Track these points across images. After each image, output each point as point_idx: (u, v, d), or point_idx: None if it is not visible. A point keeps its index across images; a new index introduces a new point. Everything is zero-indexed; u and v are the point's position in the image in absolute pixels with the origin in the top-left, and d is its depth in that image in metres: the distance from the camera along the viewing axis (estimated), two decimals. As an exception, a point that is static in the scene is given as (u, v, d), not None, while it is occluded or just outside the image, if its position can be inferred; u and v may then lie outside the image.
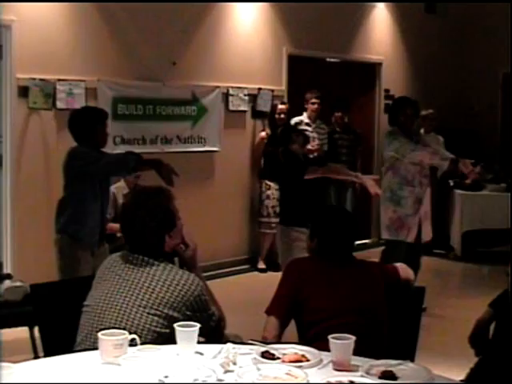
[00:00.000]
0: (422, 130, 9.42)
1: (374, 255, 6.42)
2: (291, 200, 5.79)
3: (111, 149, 6.33)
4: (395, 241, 6.21)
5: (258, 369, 2.52)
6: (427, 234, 6.46)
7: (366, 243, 9.33)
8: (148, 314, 2.85)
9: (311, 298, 3.29)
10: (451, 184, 9.38)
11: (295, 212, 5.65)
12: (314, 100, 8.58)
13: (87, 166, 4.96)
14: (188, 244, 3.19)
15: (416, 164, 6.15)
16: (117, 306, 2.88)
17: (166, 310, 2.85)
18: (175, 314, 2.85)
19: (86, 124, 5.15)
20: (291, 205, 5.75)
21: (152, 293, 2.88)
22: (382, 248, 6.48)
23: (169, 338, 2.77)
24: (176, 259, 3.17)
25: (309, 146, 6.99)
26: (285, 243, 5.69)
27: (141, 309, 2.86)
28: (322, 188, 6.12)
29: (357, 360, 2.63)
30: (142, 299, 2.87)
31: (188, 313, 2.88)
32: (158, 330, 2.84)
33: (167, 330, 2.83)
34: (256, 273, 8.22)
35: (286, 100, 8.58)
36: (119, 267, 2.99)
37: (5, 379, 2.33)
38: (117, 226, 4.86)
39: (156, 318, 2.85)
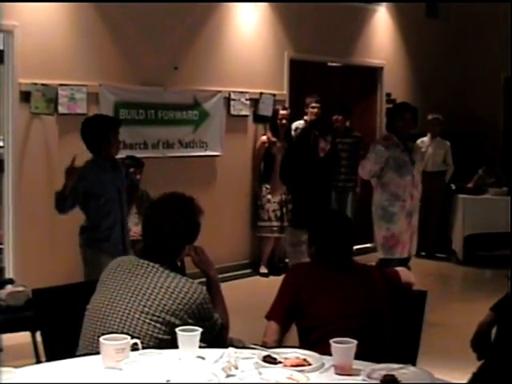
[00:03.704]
0: (428, 135, 9.46)
1: (376, 259, 6.40)
2: (303, 202, 5.81)
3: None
4: (388, 259, 6.13)
5: (260, 373, 2.52)
6: (413, 249, 6.41)
7: (367, 247, 9.32)
8: (150, 320, 2.85)
9: (311, 303, 3.29)
10: (453, 188, 9.40)
11: (306, 214, 5.64)
12: (314, 104, 8.57)
13: None
14: (196, 248, 3.20)
15: (404, 177, 6.12)
16: (119, 311, 2.89)
17: (167, 317, 2.85)
18: (177, 322, 2.85)
19: (98, 132, 5.20)
20: (303, 206, 5.75)
21: (154, 299, 2.88)
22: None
23: (170, 345, 2.77)
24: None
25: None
26: (294, 245, 5.66)
27: (143, 315, 2.86)
28: (326, 190, 6.14)
29: (358, 364, 2.63)
30: (145, 305, 2.87)
31: (190, 321, 2.87)
32: (159, 336, 2.84)
33: (169, 337, 2.83)
34: (258, 277, 8.22)
35: (287, 104, 8.59)
36: (123, 272, 3.00)
37: (7, 384, 2.34)
38: None
39: (158, 325, 2.85)
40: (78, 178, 5.06)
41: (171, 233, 3.01)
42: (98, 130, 5.21)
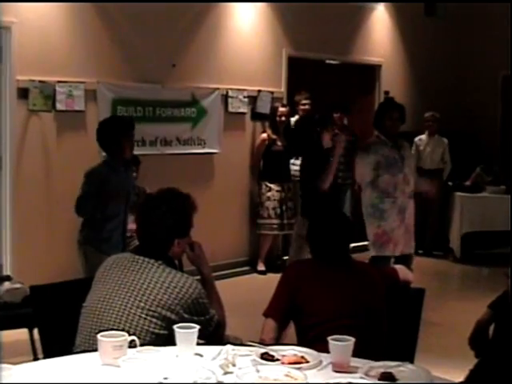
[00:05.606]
0: (426, 133, 9.47)
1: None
2: (313, 189, 5.85)
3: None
4: (380, 256, 6.12)
5: (258, 370, 2.52)
6: (409, 247, 6.29)
7: (365, 245, 9.30)
8: (146, 315, 2.85)
9: (309, 301, 3.29)
10: (451, 186, 9.40)
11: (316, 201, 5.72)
12: (304, 101, 8.59)
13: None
14: (193, 244, 3.20)
15: (396, 175, 6.11)
16: (115, 307, 2.89)
17: (163, 312, 2.86)
18: (172, 316, 2.86)
19: (110, 137, 5.29)
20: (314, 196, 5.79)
21: (150, 294, 2.88)
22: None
23: (167, 340, 2.77)
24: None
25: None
26: (301, 237, 5.63)
27: (138, 310, 2.86)
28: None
29: (356, 361, 2.63)
30: (140, 301, 2.87)
31: (185, 315, 2.88)
32: (155, 331, 2.84)
33: (165, 332, 2.83)
34: (255, 275, 8.22)
35: (285, 102, 8.58)
36: (119, 268, 3.00)
37: (4, 381, 2.34)
38: None
39: (154, 320, 2.85)
40: (91, 179, 5.16)
41: (156, 224, 3.01)
42: (110, 135, 5.30)
